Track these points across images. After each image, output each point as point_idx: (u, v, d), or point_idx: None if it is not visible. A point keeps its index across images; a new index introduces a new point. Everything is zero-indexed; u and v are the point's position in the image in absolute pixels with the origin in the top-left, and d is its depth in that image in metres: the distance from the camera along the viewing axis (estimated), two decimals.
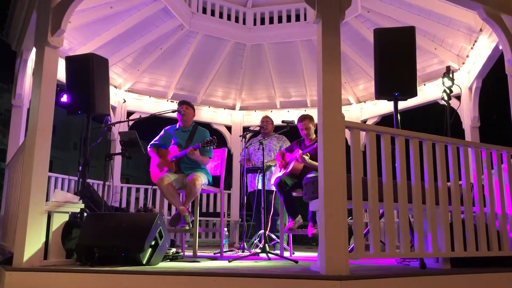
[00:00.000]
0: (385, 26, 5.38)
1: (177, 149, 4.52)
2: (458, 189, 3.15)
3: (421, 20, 5.58)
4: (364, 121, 7.27)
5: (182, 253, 4.29)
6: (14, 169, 4.15)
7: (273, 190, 5.00)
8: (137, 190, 7.34)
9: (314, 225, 4.43)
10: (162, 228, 3.29)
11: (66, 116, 4.24)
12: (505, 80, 3.84)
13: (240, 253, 4.56)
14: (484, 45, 5.07)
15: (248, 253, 4.22)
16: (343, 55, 3.45)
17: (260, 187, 5.53)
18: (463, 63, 5.81)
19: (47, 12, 3.31)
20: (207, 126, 7.04)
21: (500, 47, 3.96)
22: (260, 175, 5.46)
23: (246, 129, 7.41)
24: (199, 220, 4.54)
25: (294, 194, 4.63)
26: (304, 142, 4.90)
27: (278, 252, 4.48)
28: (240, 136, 5.42)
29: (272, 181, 4.74)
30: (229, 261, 3.62)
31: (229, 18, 7.00)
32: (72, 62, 4.00)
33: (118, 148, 6.39)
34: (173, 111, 4.67)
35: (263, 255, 4.03)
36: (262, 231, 4.92)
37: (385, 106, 6.95)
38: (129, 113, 7.22)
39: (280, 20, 7.05)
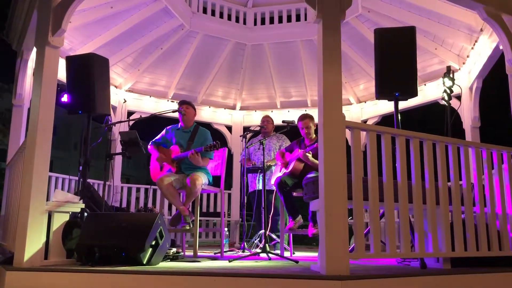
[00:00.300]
0: (385, 26, 5.37)
1: (179, 150, 4.52)
2: (459, 189, 3.15)
3: (421, 20, 5.58)
4: (365, 121, 7.27)
5: (182, 253, 4.29)
6: (14, 169, 4.15)
7: (274, 190, 5.00)
8: (138, 190, 7.35)
9: (314, 225, 4.43)
10: (163, 228, 3.29)
11: (66, 116, 4.24)
12: (505, 80, 3.84)
13: (240, 253, 4.56)
14: (485, 45, 5.07)
15: (249, 253, 4.22)
16: (343, 55, 3.45)
17: (260, 187, 5.53)
18: (464, 63, 5.81)
19: (48, 11, 3.31)
20: (208, 126, 7.03)
21: (501, 47, 3.96)
22: (261, 175, 5.46)
23: (246, 129, 7.42)
24: (200, 220, 4.54)
25: (294, 194, 4.63)
26: (304, 142, 4.90)
27: (278, 252, 4.48)
28: (240, 136, 5.42)
29: (272, 181, 4.74)
30: (229, 261, 3.62)
31: (229, 18, 7.01)
32: (73, 62, 4.00)
33: (118, 148, 6.39)
34: (174, 111, 4.66)
35: (263, 255, 4.03)
36: (262, 231, 4.92)
37: (386, 106, 6.95)
38: (130, 113, 7.23)
39: (280, 20, 7.05)
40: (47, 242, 3.09)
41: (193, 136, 4.61)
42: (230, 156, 7.68)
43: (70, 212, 3.31)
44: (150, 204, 6.33)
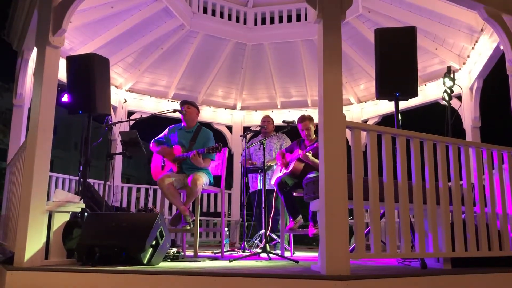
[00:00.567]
0: (386, 26, 5.38)
1: (181, 150, 4.51)
2: (459, 189, 3.14)
3: (422, 20, 5.58)
4: (365, 121, 7.27)
5: (182, 253, 4.29)
6: (15, 169, 4.15)
7: (274, 190, 5.00)
8: (138, 190, 7.35)
9: (315, 225, 4.43)
10: (163, 228, 3.29)
11: (67, 116, 4.24)
12: (506, 80, 3.84)
13: (240, 253, 4.56)
14: (485, 45, 5.07)
15: (249, 253, 4.22)
16: (344, 55, 3.45)
17: (261, 187, 5.53)
18: (464, 63, 5.81)
19: (48, 11, 3.31)
20: (208, 126, 7.05)
21: (501, 47, 3.95)
22: (261, 175, 5.46)
23: (246, 129, 7.42)
24: (200, 220, 4.54)
25: (294, 194, 4.63)
26: (304, 143, 4.90)
27: (279, 252, 4.48)
28: (240, 136, 5.42)
29: (273, 181, 4.74)
30: (229, 261, 3.62)
31: (229, 18, 7.01)
32: (73, 62, 4.00)
33: (119, 148, 6.40)
34: (174, 111, 4.66)
35: (264, 255, 4.03)
36: (263, 231, 4.92)
37: (386, 106, 6.95)
38: (130, 113, 7.23)
39: (281, 20, 7.05)
40: (47, 242, 3.09)
41: (196, 136, 4.60)
42: (231, 156, 7.69)
43: (71, 212, 3.31)
44: (150, 204, 6.34)
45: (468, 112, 5.68)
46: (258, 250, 4.18)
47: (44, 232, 3.06)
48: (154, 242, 3.17)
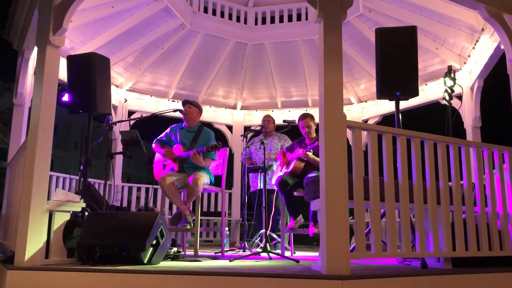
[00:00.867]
0: (386, 25, 5.38)
1: (182, 149, 4.52)
2: (460, 188, 3.14)
3: (422, 19, 5.57)
4: (366, 121, 7.27)
5: (183, 253, 4.29)
6: (15, 168, 4.15)
7: (274, 190, 5.00)
8: (138, 189, 7.35)
9: (315, 224, 4.43)
10: (163, 227, 3.29)
11: (67, 115, 4.24)
12: (506, 79, 3.83)
13: (241, 253, 4.56)
14: (486, 44, 5.07)
15: (249, 253, 4.22)
16: (344, 54, 3.44)
17: (261, 186, 5.53)
18: (465, 63, 5.80)
19: (49, 11, 3.31)
20: (208, 125, 7.02)
21: (502, 47, 3.95)
22: (262, 174, 5.46)
23: (247, 128, 7.42)
24: (200, 220, 4.54)
25: (295, 193, 4.62)
26: (305, 141, 4.90)
27: (279, 251, 4.48)
28: (241, 135, 5.42)
29: (273, 181, 4.74)
30: (230, 261, 3.62)
31: (230, 17, 7.01)
32: (74, 61, 4.00)
33: (119, 147, 6.40)
34: (174, 111, 4.66)
35: (264, 254, 4.02)
36: (263, 231, 4.92)
37: (387, 106, 6.95)
38: (130, 112, 7.24)
39: (281, 20, 7.05)
40: (48, 241, 3.09)
41: (197, 136, 4.60)
42: (231, 156, 7.68)
43: (71, 212, 3.31)
44: (150, 204, 6.34)
45: (469, 112, 5.68)
46: (259, 250, 4.19)
47: (45, 231, 3.06)
48: (154, 242, 3.17)
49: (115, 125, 5.11)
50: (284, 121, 4.83)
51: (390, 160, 2.90)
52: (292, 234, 4.84)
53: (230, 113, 8.03)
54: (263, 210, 4.70)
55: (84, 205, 3.40)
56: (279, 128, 5.65)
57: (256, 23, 7.12)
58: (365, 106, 7.45)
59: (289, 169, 4.67)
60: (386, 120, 7.11)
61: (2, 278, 2.87)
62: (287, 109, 7.85)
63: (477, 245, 3.13)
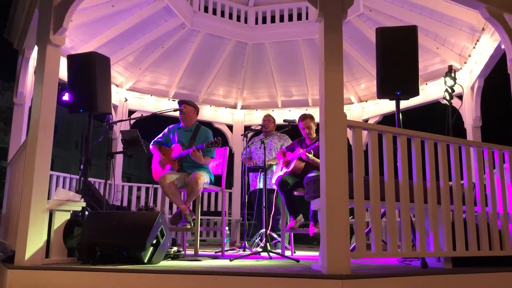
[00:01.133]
0: (387, 25, 5.37)
1: (181, 148, 4.52)
2: (460, 188, 3.14)
3: (423, 19, 5.57)
4: (366, 120, 7.27)
5: (183, 252, 4.29)
6: (16, 168, 4.15)
7: (275, 189, 5.00)
8: (139, 188, 7.35)
9: (315, 224, 4.43)
10: (164, 226, 3.29)
11: (67, 115, 4.24)
12: (507, 79, 3.83)
13: (241, 252, 4.56)
14: (486, 44, 5.06)
15: (250, 252, 4.22)
16: (345, 54, 3.44)
17: (261, 186, 5.53)
18: (465, 63, 5.80)
19: (49, 10, 3.31)
20: (209, 125, 7.03)
21: (503, 47, 3.95)
22: (262, 174, 5.46)
23: (247, 128, 7.41)
24: (200, 219, 4.54)
25: (295, 193, 4.62)
26: (305, 141, 4.90)
27: (279, 251, 4.49)
28: (241, 135, 5.42)
29: (273, 180, 4.74)
30: (230, 260, 3.62)
31: (230, 17, 7.01)
32: (74, 61, 4.00)
33: (119, 147, 6.39)
34: (174, 110, 4.66)
35: (264, 254, 4.02)
36: (263, 230, 4.92)
37: (387, 106, 6.94)
38: (131, 112, 7.24)
39: (281, 19, 7.05)
40: (48, 241, 3.09)
41: (195, 135, 4.60)
42: (231, 155, 7.68)
43: (71, 211, 3.31)
44: (151, 203, 6.34)
45: (469, 112, 5.68)
46: (259, 249, 4.18)
47: (45, 230, 3.06)
48: (154, 241, 3.17)
49: (116, 124, 5.11)
50: (284, 120, 4.83)
51: (390, 160, 2.90)
52: (292, 233, 4.84)
53: (231, 112, 8.03)
54: (263, 210, 4.71)
55: (84, 204, 3.39)
56: (279, 128, 5.65)
57: (256, 23, 7.12)
58: (365, 105, 7.45)
59: (289, 169, 4.67)
60: (387, 119, 7.11)
61: (3, 277, 2.87)
62: (287, 108, 7.85)
63: (478, 245, 3.13)
